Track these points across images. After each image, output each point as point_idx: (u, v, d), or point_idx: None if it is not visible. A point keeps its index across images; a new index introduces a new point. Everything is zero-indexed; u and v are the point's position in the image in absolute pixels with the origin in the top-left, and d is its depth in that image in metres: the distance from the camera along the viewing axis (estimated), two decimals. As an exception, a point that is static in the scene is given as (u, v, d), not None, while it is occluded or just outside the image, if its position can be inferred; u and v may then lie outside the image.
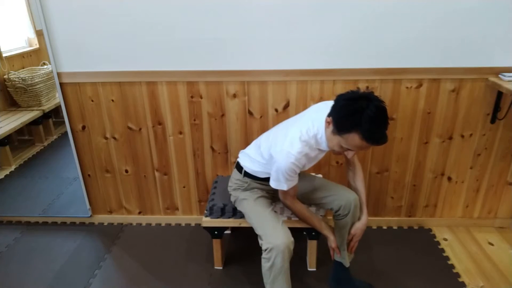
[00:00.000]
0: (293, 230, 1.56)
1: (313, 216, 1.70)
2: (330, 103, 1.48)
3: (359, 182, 1.72)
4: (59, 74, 1.97)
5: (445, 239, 2.16)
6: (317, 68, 1.88)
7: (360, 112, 1.30)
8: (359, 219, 1.68)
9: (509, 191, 2.16)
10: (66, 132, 2.14)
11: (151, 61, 1.92)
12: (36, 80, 3.37)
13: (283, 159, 1.46)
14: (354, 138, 1.34)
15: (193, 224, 2.34)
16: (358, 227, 1.67)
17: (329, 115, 1.43)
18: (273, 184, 1.56)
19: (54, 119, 3.70)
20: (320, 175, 2.03)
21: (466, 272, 1.91)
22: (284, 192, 1.58)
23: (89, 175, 2.24)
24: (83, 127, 2.11)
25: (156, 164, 2.18)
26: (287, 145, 1.47)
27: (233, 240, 2.18)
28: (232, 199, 1.81)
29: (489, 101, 1.94)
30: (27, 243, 2.20)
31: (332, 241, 1.68)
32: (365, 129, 1.30)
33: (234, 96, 1.99)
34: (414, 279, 1.87)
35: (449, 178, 2.14)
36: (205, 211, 1.89)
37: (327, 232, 1.68)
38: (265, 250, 1.49)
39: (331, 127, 1.41)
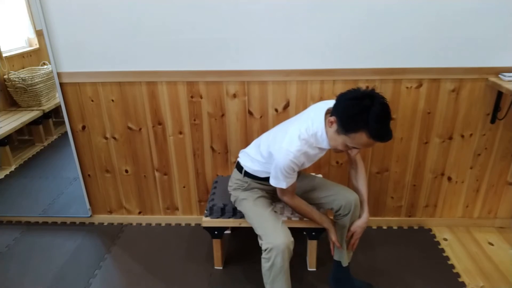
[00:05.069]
0: (293, 230, 1.56)
1: (313, 210, 1.69)
2: (330, 102, 1.49)
3: (361, 180, 1.72)
4: (59, 74, 1.97)
5: (445, 239, 2.16)
6: (317, 68, 1.88)
7: (366, 112, 1.31)
8: (359, 217, 1.68)
9: (509, 191, 2.16)
10: (66, 132, 2.14)
11: (151, 61, 1.92)
12: (36, 80, 3.36)
13: (281, 157, 1.46)
14: (361, 137, 1.35)
15: (193, 224, 2.34)
16: (358, 225, 1.67)
17: (332, 115, 1.42)
18: (272, 182, 1.57)
19: (54, 119, 3.69)
20: (320, 175, 2.03)
21: (466, 272, 1.91)
22: (282, 189, 1.58)
23: (89, 175, 2.24)
24: (83, 127, 2.11)
25: (156, 164, 2.19)
26: (286, 143, 1.47)
27: (233, 240, 2.18)
28: (232, 199, 1.81)
29: (489, 101, 1.94)
30: (27, 243, 2.20)
31: (333, 234, 1.68)
32: (372, 127, 1.31)
33: (234, 96, 1.99)
34: (414, 279, 1.87)
35: (449, 178, 2.14)
36: (205, 211, 1.89)
37: (327, 225, 1.68)
38: (265, 250, 1.49)
39: (334, 126, 1.41)
